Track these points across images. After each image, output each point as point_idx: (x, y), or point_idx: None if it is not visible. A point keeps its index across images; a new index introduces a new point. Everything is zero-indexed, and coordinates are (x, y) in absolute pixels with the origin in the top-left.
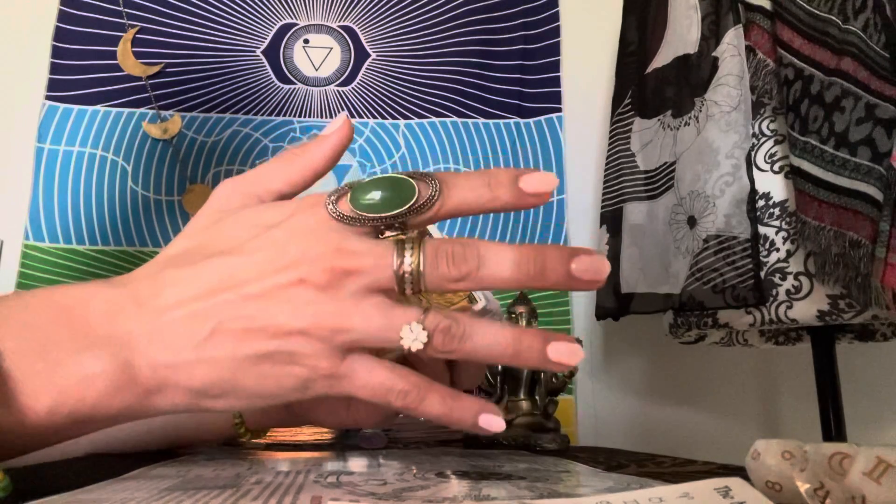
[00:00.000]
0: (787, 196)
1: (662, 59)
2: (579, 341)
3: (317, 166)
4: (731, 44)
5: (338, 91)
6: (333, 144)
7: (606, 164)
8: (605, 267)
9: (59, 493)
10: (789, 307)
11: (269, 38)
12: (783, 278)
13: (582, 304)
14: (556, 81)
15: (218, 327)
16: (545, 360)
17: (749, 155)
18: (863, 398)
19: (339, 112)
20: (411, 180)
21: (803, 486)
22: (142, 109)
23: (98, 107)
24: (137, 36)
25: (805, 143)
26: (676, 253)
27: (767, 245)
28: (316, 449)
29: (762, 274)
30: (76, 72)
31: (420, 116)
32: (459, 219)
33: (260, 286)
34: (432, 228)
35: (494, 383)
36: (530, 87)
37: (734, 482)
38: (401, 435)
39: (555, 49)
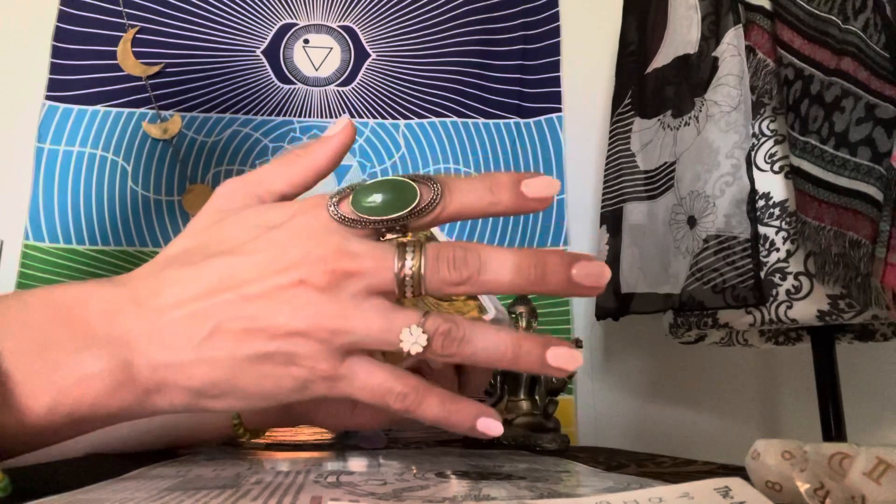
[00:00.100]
0: (787, 196)
1: (662, 59)
2: (580, 342)
3: (319, 168)
4: (731, 44)
5: (338, 91)
6: (336, 146)
7: (606, 164)
8: (606, 273)
9: (59, 493)
10: (789, 307)
11: (269, 38)
12: (783, 278)
13: (582, 305)
14: (556, 81)
15: (218, 327)
16: (544, 365)
17: (749, 155)
18: (863, 398)
19: (339, 112)
20: (413, 183)
21: (803, 486)
22: (142, 109)
23: (98, 107)
24: (137, 36)
25: (805, 143)
26: (676, 253)
27: (767, 245)
28: (316, 449)
29: (762, 274)
30: (76, 72)
31: (420, 116)
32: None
33: (260, 287)
34: (437, 232)
35: (494, 383)
36: (530, 87)
37: (734, 482)
38: (401, 435)
39: (555, 49)
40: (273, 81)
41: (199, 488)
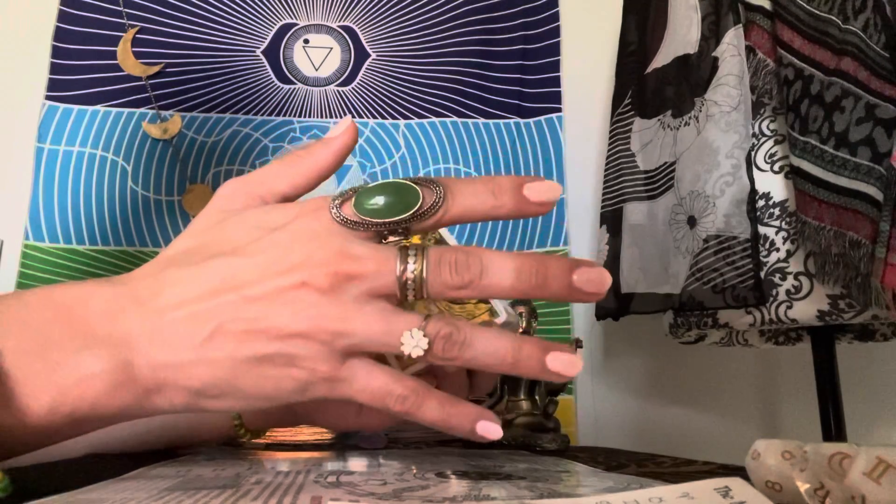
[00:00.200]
0: (787, 196)
1: (662, 59)
2: (580, 342)
3: (321, 169)
4: (731, 44)
5: (338, 91)
6: (338, 147)
7: (606, 164)
8: (607, 279)
9: (59, 493)
10: (789, 307)
11: (269, 38)
12: (783, 278)
13: (582, 305)
14: (556, 81)
15: (219, 328)
16: (544, 369)
17: (749, 155)
18: (863, 398)
19: (339, 112)
20: (416, 186)
21: (803, 486)
22: (142, 109)
23: (98, 107)
24: (137, 36)
25: (805, 143)
26: (676, 253)
27: (767, 245)
28: (316, 449)
29: (762, 274)
30: (76, 72)
31: (420, 116)
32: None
33: (262, 288)
34: (447, 235)
35: (494, 383)
36: (530, 87)
37: (734, 482)
38: (401, 435)
39: (555, 49)
40: (273, 81)
41: (199, 488)
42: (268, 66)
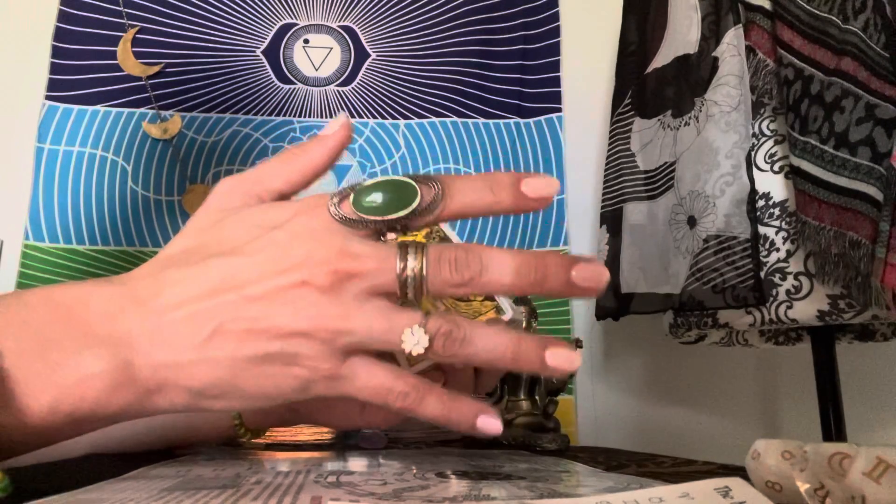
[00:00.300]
0: (787, 196)
1: (662, 59)
2: (580, 342)
3: (316, 166)
4: (731, 44)
5: (338, 91)
6: (333, 144)
7: (606, 164)
8: (605, 275)
9: (59, 493)
10: (789, 307)
11: (269, 38)
12: (783, 278)
13: (582, 305)
14: (556, 81)
15: (219, 328)
16: (543, 365)
17: (749, 155)
18: (863, 398)
19: (339, 112)
20: (414, 183)
21: (803, 486)
22: (142, 109)
23: (98, 107)
24: (137, 36)
25: (805, 143)
26: (676, 253)
27: (767, 245)
28: (316, 449)
29: (762, 274)
30: (76, 72)
31: (420, 116)
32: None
33: (262, 287)
34: (449, 231)
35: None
36: (530, 87)
37: (734, 482)
38: (401, 435)
39: (555, 49)
40: (273, 81)
41: (199, 488)
42: (268, 66)
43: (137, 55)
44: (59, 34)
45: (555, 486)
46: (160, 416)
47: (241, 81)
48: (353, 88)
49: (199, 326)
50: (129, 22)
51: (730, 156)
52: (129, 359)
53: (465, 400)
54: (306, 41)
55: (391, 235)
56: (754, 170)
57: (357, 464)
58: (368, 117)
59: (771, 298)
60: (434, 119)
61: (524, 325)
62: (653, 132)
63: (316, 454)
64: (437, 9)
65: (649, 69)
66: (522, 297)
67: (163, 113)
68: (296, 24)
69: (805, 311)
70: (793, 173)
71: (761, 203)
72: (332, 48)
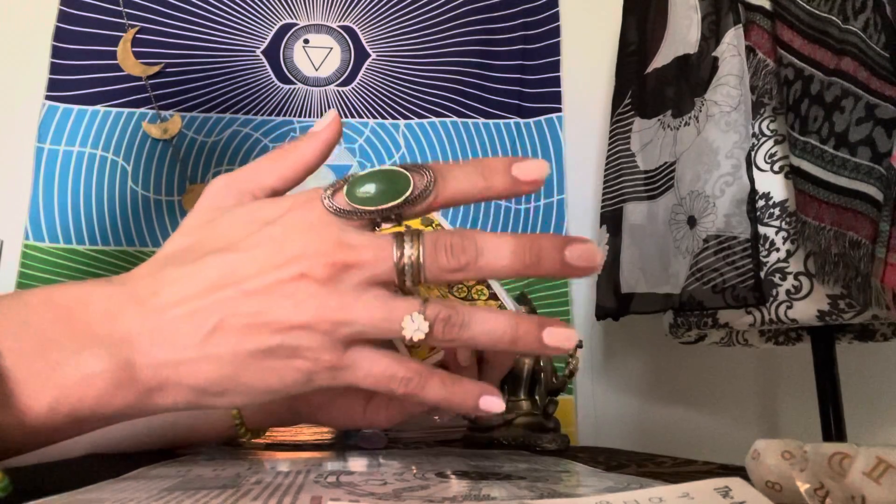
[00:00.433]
0: (787, 196)
1: (662, 59)
2: (580, 342)
3: (308, 162)
4: (731, 44)
5: (338, 91)
6: (324, 140)
7: (606, 164)
8: (598, 254)
9: (59, 493)
10: (789, 307)
11: (269, 38)
12: (783, 278)
13: (582, 305)
14: (556, 81)
15: (220, 324)
16: (542, 344)
17: (749, 155)
18: (863, 398)
19: (339, 112)
20: (406, 172)
21: (803, 486)
22: (142, 109)
23: (98, 107)
24: (137, 36)
25: (805, 143)
26: (676, 253)
27: (767, 245)
28: (316, 449)
29: (762, 274)
30: (76, 72)
31: (420, 116)
32: (455, 208)
33: (261, 282)
34: (442, 221)
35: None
36: (530, 87)
37: (734, 482)
38: (401, 435)
39: (555, 49)
40: (273, 81)
41: (199, 488)
42: (268, 66)
43: (137, 55)
44: (59, 34)
45: (555, 486)
46: (160, 416)
47: (241, 81)
48: (353, 88)
49: (199, 323)
50: (129, 22)
51: (730, 156)
52: (130, 358)
53: (467, 382)
54: (306, 41)
55: (386, 225)
56: (754, 170)
57: (357, 464)
58: (368, 117)
59: (771, 298)
60: (434, 119)
61: None
62: (653, 132)
63: (316, 454)
64: (437, 9)
65: (649, 69)
66: (523, 296)
67: (163, 113)
68: (296, 24)
69: (805, 311)
70: (793, 173)
71: (761, 203)
72: (332, 48)
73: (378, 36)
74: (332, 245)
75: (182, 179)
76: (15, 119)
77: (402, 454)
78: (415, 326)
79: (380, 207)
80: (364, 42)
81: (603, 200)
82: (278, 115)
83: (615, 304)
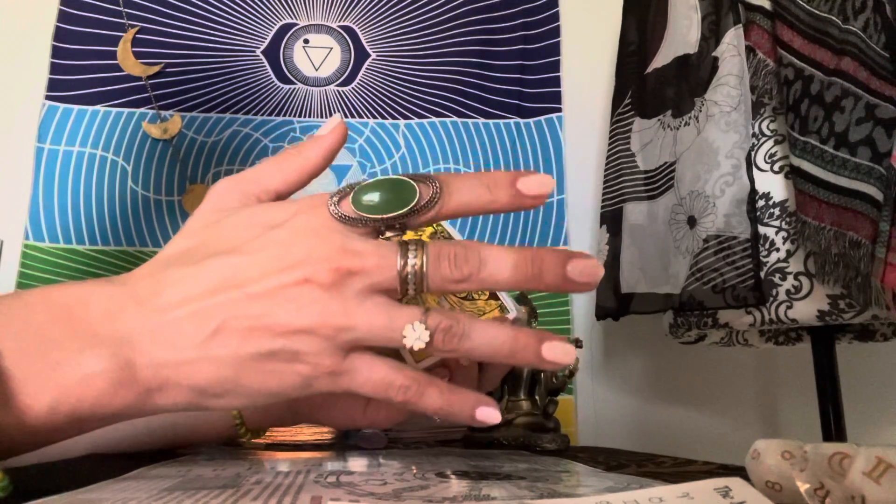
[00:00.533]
0: (787, 196)
1: (662, 59)
2: (580, 342)
3: (313, 166)
4: (731, 44)
5: (338, 91)
6: (329, 144)
7: (606, 164)
8: (599, 270)
9: (59, 493)
10: (789, 307)
11: (269, 38)
12: (783, 278)
13: (582, 305)
14: (556, 81)
15: (222, 326)
16: (540, 358)
17: (749, 155)
18: (863, 398)
19: (339, 113)
20: (412, 182)
21: (803, 486)
22: (142, 109)
23: (98, 107)
24: (137, 36)
25: (805, 143)
26: (676, 253)
27: (767, 245)
28: (316, 449)
29: (762, 274)
30: (76, 72)
31: (420, 116)
32: (459, 218)
33: (264, 285)
34: (452, 231)
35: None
36: (530, 87)
37: (734, 482)
38: (401, 435)
39: (555, 49)
40: (273, 81)
41: (199, 488)
42: (268, 66)
43: (137, 55)
44: (59, 34)
45: (555, 486)
46: (161, 416)
47: (241, 81)
48: (353, 88)
49: (201, 325)
50: (129, 22)
51: (730, 156)
52: (130, 358)
53: (465, 392)
54: (306, 41)
55: (390, 234)
56: (754, 170)
57: (357, 464)
58: (368, 117)
59: (771, 298)
60: (434, 119)
61: (524, 325)
62: (653, 132)
63: (316, 454)
64: (437, 9)
65: (649, 69)
66: (523, 297)
67: (163, 113)
68: (296, 24)
69: (805, 311)
70: (793, 173)
71: (761, 203)
72: (332, 48)
73: (378, 36)
74: (336, 251)
75: (182, 179)
76: (15, 119)
77: (402, 454)
78: (416, 335)
79: (385, 216)
80: (364, 42)
81: (603, 200)
82: (278, 115)
83: (615, 303)
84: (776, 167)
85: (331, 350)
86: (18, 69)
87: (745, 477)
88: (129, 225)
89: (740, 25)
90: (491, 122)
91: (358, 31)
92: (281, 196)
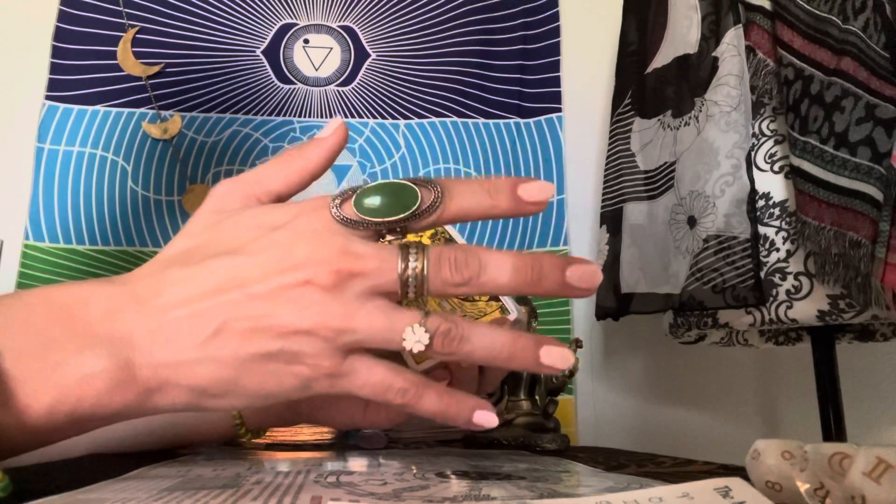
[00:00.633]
0: (787, 196)
1: (662, 59)
2: (580, 342)
3: (314, 167)
4: (731, 44)
5: (338, 91)
6: (330, 146)
7: (606, 164)
8: (598, 276)
9: (59, 493)
10: (789, 307)
11: (269, 38)
12: (783, 278)
13: (582, 305)
14: (556, 81)
15: (223, 326)
16: (538, 363)
17: (749, 155)
18: (863, 398)
19: (339, 112)
20: (414, 186)
21: (803, 486)
22: (142, 109)
23: (98, 107)
24: (137, 36)
25: (805, 143)
26: (676, 253)
27: (767, 245)
28: (316, 449)
29: (762, 274)
30: (76, 72)
31: (420, 116)
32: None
33: (265, 286)
34: (455, 233)
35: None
36: (530, 87)
37: (734, 482)
38: (401, 435)
39: (555, 49)
40: (273, 81)
41: (199, 488)
42: (268, 66)
43: (137, 55)
44: (59, 34)
45: (555, 486)
46: (161, 416)
47: (241, 81)
48: (353, 88)
49: (201, 325)
50: (129, 22)
51: (730, 156)
52: (130, 358)
53: (463, 396)
54: (306, 41)
55: (391, 237)
56: (754, 170)
57: (357, 464)
58: (368, 117)
59: (771, 298)
60: (434, 119)
61: (525, 324)
62: (653, 132)
63: (316, 454)
64: (437, 9)
65: (649, 69)
66: (523, 298)
67: (163, 113)
68: (296, 24)
69: (805, 311)
70: (793, 173)
71: (761, 203)
72: (332, 48)
73: (378, 36)
74: (337, 253)
75: (182, 179)
76: (15, 119)
77: (402, 454)
78: (415, 338)
79: (386, 220)
80: (364, 42)
81: (603, 200)
82: (278, 115)
83: (615, 304)
84: (776, 167)
85: (330, 352)
86: (18, 69)
87: (745, 477)
88: (129, 225)
89: (740, 25)
90: (491, 122)
91: (358, 31)
92: (282, 198)
